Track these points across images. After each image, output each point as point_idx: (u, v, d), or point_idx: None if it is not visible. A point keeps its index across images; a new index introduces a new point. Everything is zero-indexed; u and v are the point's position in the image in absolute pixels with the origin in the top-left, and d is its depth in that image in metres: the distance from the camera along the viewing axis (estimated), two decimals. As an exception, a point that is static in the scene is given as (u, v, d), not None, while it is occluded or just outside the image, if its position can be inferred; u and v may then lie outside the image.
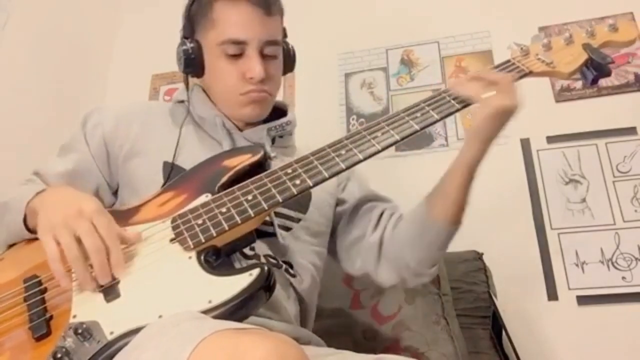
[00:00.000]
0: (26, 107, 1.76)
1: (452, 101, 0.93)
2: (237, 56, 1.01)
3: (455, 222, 0.99)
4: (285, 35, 1.13)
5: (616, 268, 1.56)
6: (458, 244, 1.54)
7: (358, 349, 0.95)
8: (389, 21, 2.01)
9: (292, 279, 1.01)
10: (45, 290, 0.79)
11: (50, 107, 1.85)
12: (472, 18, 1.93)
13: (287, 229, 1.03)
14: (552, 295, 1.57)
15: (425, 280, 1.07)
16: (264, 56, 1.03)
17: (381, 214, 1.10)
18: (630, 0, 1.80)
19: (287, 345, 0.60)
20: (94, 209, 0.78)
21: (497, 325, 1.43)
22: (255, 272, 0.76)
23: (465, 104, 0.94)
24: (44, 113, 1.82)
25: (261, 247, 0.97)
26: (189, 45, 1.05)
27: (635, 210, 1.59)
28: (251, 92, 1.02)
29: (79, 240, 0.75)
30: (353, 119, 1.91)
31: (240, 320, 0.72)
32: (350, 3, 2.07)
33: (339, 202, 1.14)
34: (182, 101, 1.11)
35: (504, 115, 0.91)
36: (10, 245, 0.93)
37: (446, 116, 0.93)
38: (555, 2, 1.87)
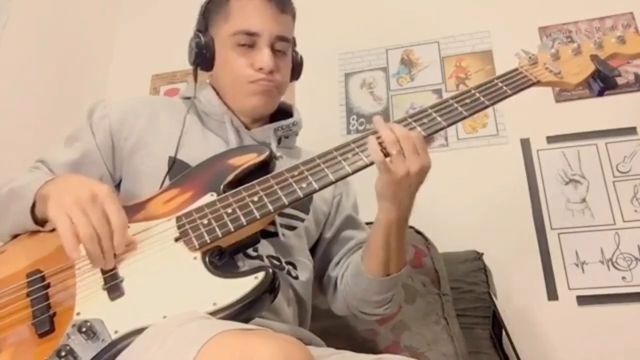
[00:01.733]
0: (26, 107, 1.76)
1: (460, 108, 0.93)
2: (249, 48, 1.03)
3: (386, 273, 0.98)
4: (294, 44, 1.15)
5: (616, 268, 1.56)
6: (458, 244, 1.56)
7: (358, 349, 0.95)
8: (389, 21, 2.01)
9: (293, 281, 1.01)
10: (48, 286, 0.78)
11: (51, 107, 1.85)
12: (472, 18, 1.93)
13: (292, 228, 1.04)
14: (552, 295, 1.57)
15: (374, 318, 1.12)
16: (274, 51, 1.05)
17: (350, 249, 1.11)
18: (630, 0, 1.80)
19: (294, 346, 0.60)
20: (106, 194, 0.78)
21: (497, 325, 1.43)
22: (261, 275, 0.76)
23: (472, 112, 0.93)
24: (45, 113, 1.82)
25: (266, 247, 0.97)
26: (202, 38, 1.07)
27: (635, 210, 1.59)
28: (260, 81, 1.03)
29: None
30: (353, 119, 1.91)
31: (243, 322, 0.72)
32: (350, 3, 2.07)
33: (330, 216, 1.15)
34: (189, 97, 1.12)
35: (405, 182, 0.85)
36: (14, 237, 0.92)
37: (453, 123, 0.94)
38: (555, 2, 1.87)
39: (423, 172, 0.87)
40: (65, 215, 0.75)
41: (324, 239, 1.14)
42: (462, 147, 1.79)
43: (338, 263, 1.11)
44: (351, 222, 1.15)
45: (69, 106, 1.89)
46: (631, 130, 1.67)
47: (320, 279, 1.14)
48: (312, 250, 1.13)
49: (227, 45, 1.05)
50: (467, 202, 1.71)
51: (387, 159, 0.86)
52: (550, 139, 1.72)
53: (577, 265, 1.59)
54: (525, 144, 1.74)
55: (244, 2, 1.04)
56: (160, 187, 0.96)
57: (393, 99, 1.91)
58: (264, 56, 1.02)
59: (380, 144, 0.87)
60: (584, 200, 1.64)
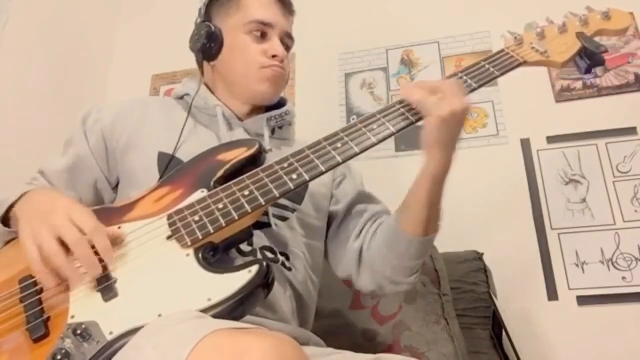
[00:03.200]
0: (26, 107, 1.76)
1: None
2: (260, 38, 1.08)
3: (426, 233, 0.97)
4: None
5: (616, 268, 1.56)
6: (458, 244, 1.56)
7: (358, 349, 0.95)
8: (389, 21, 2.01)
9: (288, 273, 1.00)
10: (41, 291, 0.78)
11: (51, 107, 1.86)
12: (472, 18, 1.93)
13: (284, 218, 1.04)
14: (552, 295, 1.57)
15: (403, 288, 1.07)
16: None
17: (368, 220, 1.11)
18: (630, 0, 1.80)
19: (286, 344, 0.60)
20: (66, 204, 0.79)
21: (497, 325, 1.43)
22: (254, 268, 0.76)
23: None
24: (45, 113, 1.82)
25: (259, 238, 0.97)
26: (212, 27, 1.09)
27: (635, 210, 1.59)
28: (273, 66, 1.07)
29: (60, 240, 0.75)
30: (353, 119, 1.90)
31: (238, 318, 0.72)
32: (350, 3, 2.07)
33: (334, 200, 1.14)
34: (182, 97, 1.13)
35: (452, 121, 0.87)
36: (6, 243, 0.92)
37: None
38: (555, 2, 1.87)
39: (465, 111, 0.88)
40: (32, 243, 0.76)
41: (336, 214, 1.13)
42: (462, 147, 1.76)
43: (360, 233, 1.09)
44: (363, 197, 1.14)
45: (69, 106, 1.89)
46: (631, 130, 1.67)
47: (338, 259, 1.12)
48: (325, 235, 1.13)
49: (239, 32, 1.08)
50: (467, 202, 1.71)
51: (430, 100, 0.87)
52: (550, 139, 1.72)
53: (577, 265, 1.59)
54: (525, 144, 1.74)
55: None
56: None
57: (393, 99, 1.90)
58: (277, 45, 1.08)
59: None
60: (584, 200, 1.64)
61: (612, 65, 1.74)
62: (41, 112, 1.81)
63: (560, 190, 1.67)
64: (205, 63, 1.15)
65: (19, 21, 1.76)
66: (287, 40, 1.12)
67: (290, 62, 1.14)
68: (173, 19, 2.18)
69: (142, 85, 2.13)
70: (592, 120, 1.70)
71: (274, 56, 1.06)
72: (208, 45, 1.09)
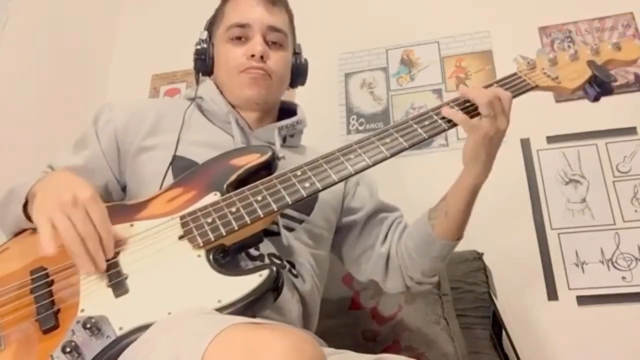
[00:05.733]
0: (26, 107, 1.76)
1: (461, 112, 0.95)
2: (243, 41, 1.07)
3: (458, 237, 1.03)
4: (299, 51, 1.18)
5: (616, 268, 1.56)
6: (458, 244, 1.55)
7: (358, 349, 0.95)
8: (389, 21, 2.01)
9: (294, 280, 1.01)
10: (52, 283, 0.79)
11: (51, 107, 1.85)
12: (472, 18, 1.93)
13: (290, 229, 1.04)
14: (552, 295, 1.57)
15: (427, 288, 1.13)
16: (268, 44, 1.08)
17: (390, 226, 1.14)
18: (630, 0, 1.80)
19: (306, 341, 0.59)
20: (88, 197, 0.78)
21: (497, 325, 1.43)
22: (265, 273, 0.77)
23: (474, 114, 0.95)
24: (44, 113, 1.82)
25: (267, 245, 0.98)
26: (202, 44, 1.13)
27: (635, 210, 1.59)
28: (250, 69, 1.05)
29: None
30: (353, 119, 1.91)
31: None
32: (350, 3, 2.07)
33: (350, 211, 1.15)
34: (193, 99, 1.12)
35: (496, 138, 0.93)
36: (17, 234, 0.93)
37: (454, 125, 0.95)
38: (555, 3, 1.87)
39: (506, 131, 0.94)
40: (47, 219, 0.76)
41: (355, 223, 1.14)
42: (462, 147, 1.78)
43: (385, 239, 1.12)
44: (382, 206, 1.17)
45: (69, 106, 1.89)
46: (631, 130, 1.67)
47: (362, 265, 1.14)
48: (339, 245, 1.16)
49: (222, 41, 1.09)
50: (467, 202, 1.71)
51: (476, 119, 0.92)
52: (550, 139, 1.72)
53: (577, 265, 1.59)
54: (525, 144, 1.74)
55: (235, 1, 1.10)
56: (161, 185, 0.97)
57: (393, 99, 1.91)
58: (255, 44, 1.05)
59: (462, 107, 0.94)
60: (584, 200, 1.64)
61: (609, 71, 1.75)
62: (41, 111, 1.81)
63: (560, 190, 1.67)
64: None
65: (19, 21, 1.76)
66: (272, 34, 1.08)
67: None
68: (173, 18, 2.18)
69: (142, 85, 2.13)
70: (592, 120, 1.70)
71: (253, 56, 1.04)
72: (200, 64, 1.12)
